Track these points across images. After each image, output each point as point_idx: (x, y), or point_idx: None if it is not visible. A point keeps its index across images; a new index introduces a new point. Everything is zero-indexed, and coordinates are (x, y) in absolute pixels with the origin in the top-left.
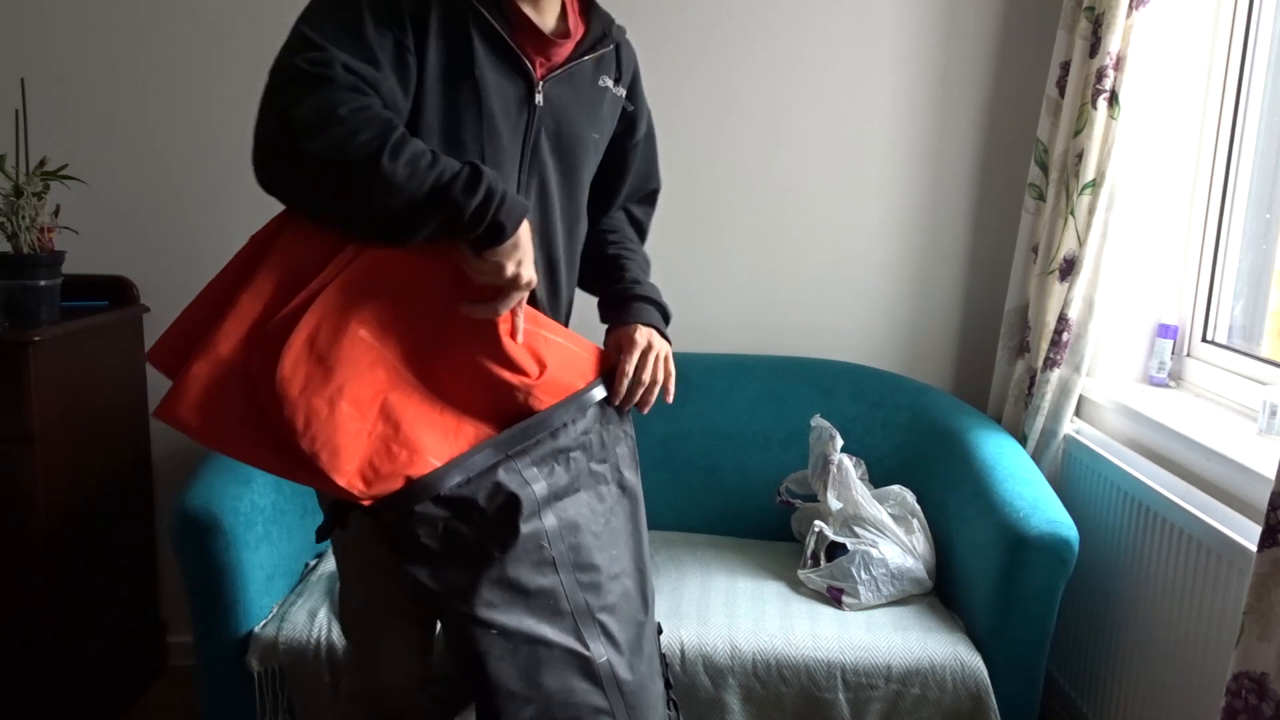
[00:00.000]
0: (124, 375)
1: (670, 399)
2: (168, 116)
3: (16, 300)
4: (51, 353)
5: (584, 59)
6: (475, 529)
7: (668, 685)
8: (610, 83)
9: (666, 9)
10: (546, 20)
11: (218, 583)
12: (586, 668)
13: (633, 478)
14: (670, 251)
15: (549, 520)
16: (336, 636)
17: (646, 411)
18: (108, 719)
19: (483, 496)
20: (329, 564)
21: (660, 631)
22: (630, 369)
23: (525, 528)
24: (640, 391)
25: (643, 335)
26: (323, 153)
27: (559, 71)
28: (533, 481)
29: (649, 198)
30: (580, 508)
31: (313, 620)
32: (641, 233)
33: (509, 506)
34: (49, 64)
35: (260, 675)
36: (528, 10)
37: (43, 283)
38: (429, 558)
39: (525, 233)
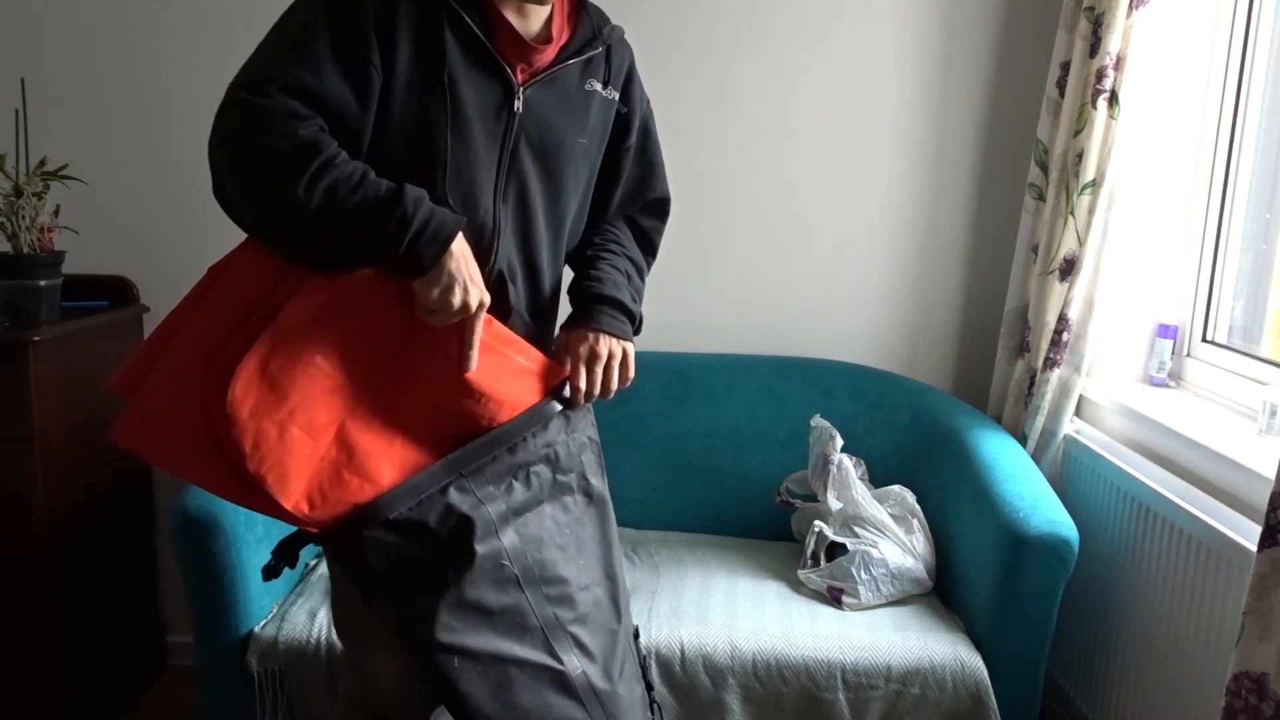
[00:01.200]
0: None
1: (614, 391)
2: (168, 116)
3: (16, 300)
4: (51, 353)
5: (569, 63)
6: (428, 551)
7: (648, 688)
8: (599, 85)
9: (667, 10)
10: (531, 25)
11: (218, 583)
12: (561, 681)
13: (600, 484)
14: (670, 251)
15: (509, 538)
16: (336, 636)
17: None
18: (108, 719)
19: (434, 519)
20: None
21: (637, 635)
22: (581, 384)
23: (481, 548)
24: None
25: (587, 345)
26: (243, 182)
27: (541, 76)
28: (488, 501)
29: (653, 208)
30: (544, 521)
31: (313, 620)
32: (648, 245)
33: (461, 528)
34: (49, 64)
35: (260, 675)
36: (509, 15)
37: (43, 283)
38: (383, 584)
39: (456, 259)
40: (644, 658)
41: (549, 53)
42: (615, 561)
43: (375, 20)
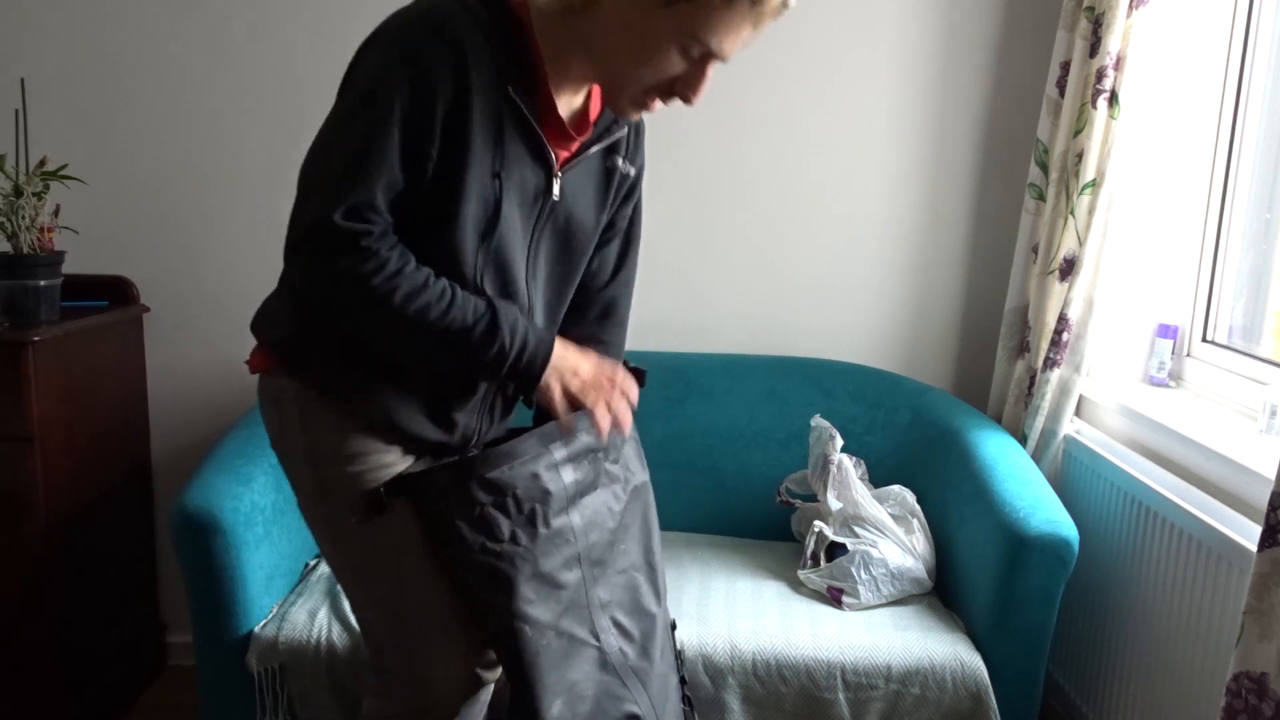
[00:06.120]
0: (124, 375)
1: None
2: (168, 117)
3: (16, 300)
4: (51, 353)
5: (599, 146)
6: (510, 519)
7: (682, 681)
8: (619, 160)
9: None
10: (574, 102)
11: (218, 583)
12: (601, 659)
13: (642, 474)
14: (671, 251)
15: (574, 516)
16: (337, 636)
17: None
18: (107, 719)
19: (521, 487)
20: None
21: (674, 628)
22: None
23: (556, 522)
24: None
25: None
26: (335, 304)
27: (574, 160)
28: (565, 476)
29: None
30: (599, 505)
31: (313, 620)
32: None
33: (543, 499)
34: (49, 64)
35: (260, 675)
36: (558, 97)
37: (43, 283)
38: (469, 548)
39: (553, 373)
40: (680, 651)
41: (585, 134)
42: (655, 549)
43: (445, 114)
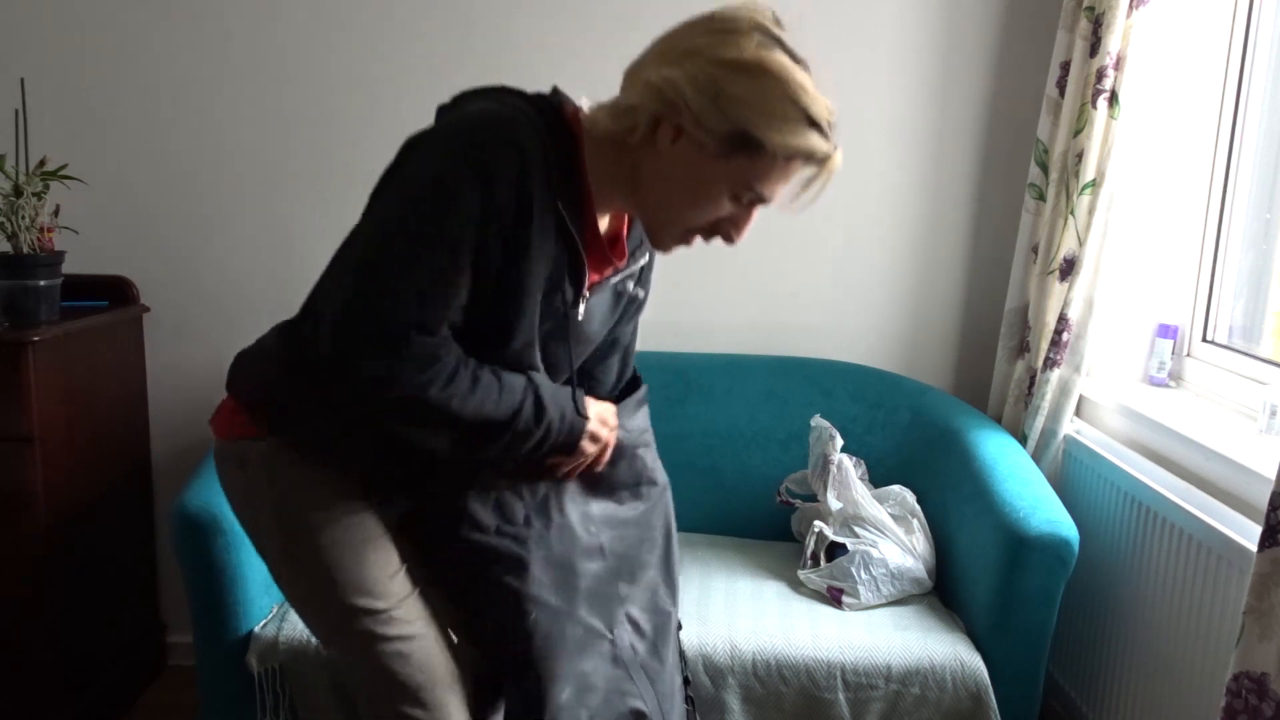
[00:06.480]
0: (124, 375)
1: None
2: (168, 116)
3: (16, 300)
4: (51, 353)
5: (625, 272)
6: (523, 503)
7: (686, 682)
8: (631, 285)
9: (667, 10)
10: (610, 226)
11: (218, 583)
12: (613, 653)
13: (663, 476)
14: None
15: (593, 508)
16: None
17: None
18: (107, 719)
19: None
20: None
21: (680, 628)
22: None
23: (573, 511)
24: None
25: None
26: (392, 412)
27: (601, 284)
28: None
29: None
30: (621, 500)
31: None
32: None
33: (555, 487)
34: (49, 64)
35: (260, 675)
36: (600, 218)
37: (43, 283)
38: (483, 529)
39: (587, 429)
40: (683, 652)
41: (622, 261)
42: (673, 550)
43: (512, 225)
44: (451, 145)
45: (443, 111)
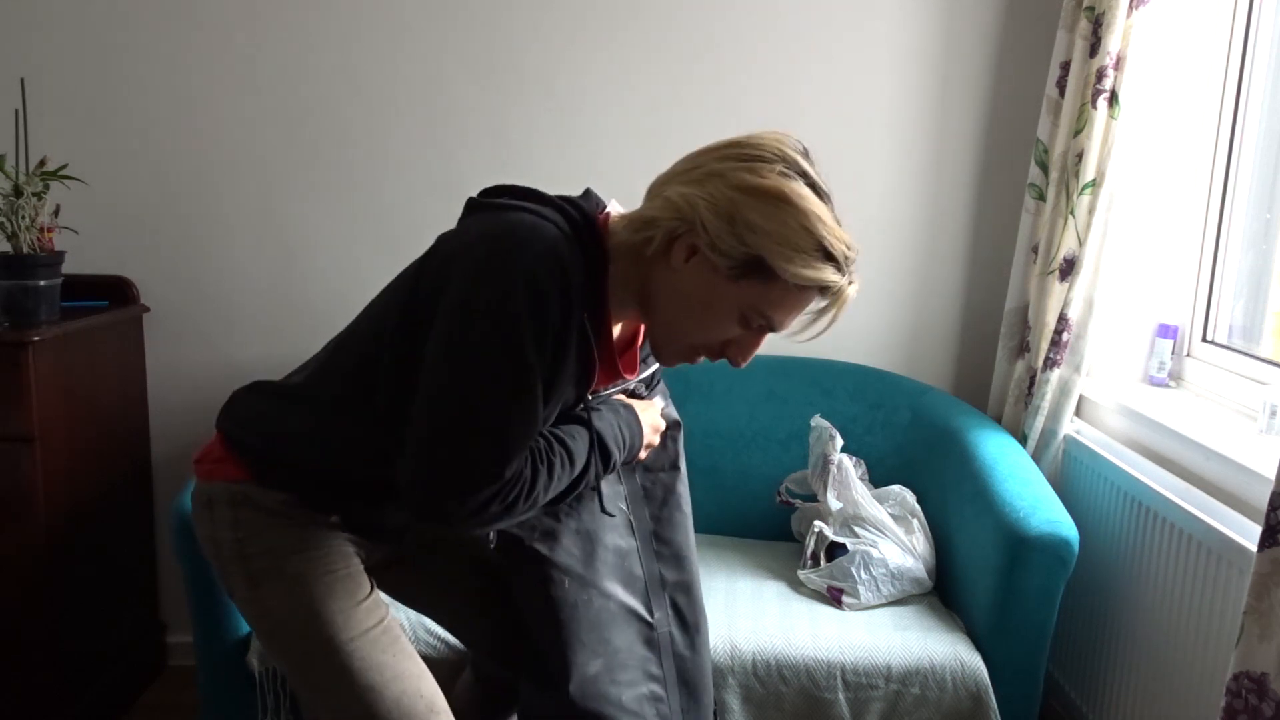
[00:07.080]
0: (124, 375)
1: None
2: (168, 116)
3: (16, 300)
4: (51, 353)
5: (630, 384)
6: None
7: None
8: (644, 389)
9: (667, 10)
10: (623, 331)
11: (218, 583)
12: (647, 634)
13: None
14: None
15: (632, 484)
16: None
17: None
18: (107, 719)
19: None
20: None
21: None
22: None
23: (605, 487)
24: None
25: None
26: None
27: (608, 389)
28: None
29: None
30: (659, 482)
31: None
32: None
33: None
34: (49, 64)
35: (260, 675)
36: (616, 325)
37: (43, 283)
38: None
39: (642, 427)
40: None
41: (633, 375)
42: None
43: (554, 347)
44: (510, 275)
45: (472, 208)
